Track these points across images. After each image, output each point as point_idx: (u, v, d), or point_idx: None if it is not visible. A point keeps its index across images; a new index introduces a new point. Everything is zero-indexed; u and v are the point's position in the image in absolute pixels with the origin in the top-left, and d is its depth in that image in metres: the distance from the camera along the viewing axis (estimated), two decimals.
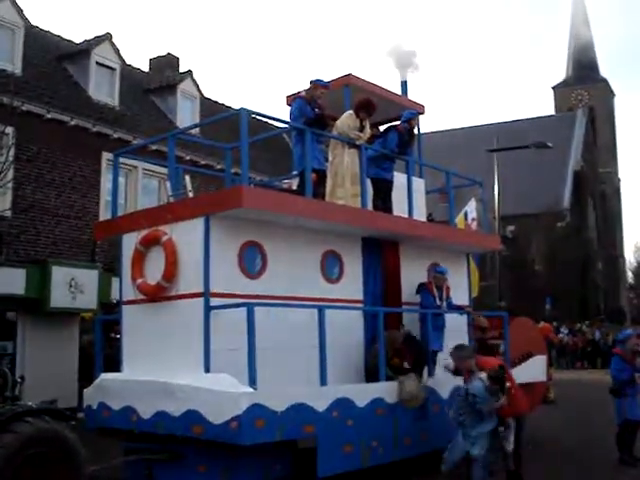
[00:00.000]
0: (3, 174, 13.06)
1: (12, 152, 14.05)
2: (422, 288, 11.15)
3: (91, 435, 9.44)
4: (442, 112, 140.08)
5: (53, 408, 7.21)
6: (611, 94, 78.81)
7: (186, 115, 22.08)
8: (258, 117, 10.51)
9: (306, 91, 10.34)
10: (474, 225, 14.66)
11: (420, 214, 11.91)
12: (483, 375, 8.77)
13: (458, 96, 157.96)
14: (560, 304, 43.76)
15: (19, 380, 7.70)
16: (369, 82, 11.91)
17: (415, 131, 11.91)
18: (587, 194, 61.19)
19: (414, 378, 9.97)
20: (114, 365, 10.13)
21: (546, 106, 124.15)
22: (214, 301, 8.60)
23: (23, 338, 16.07)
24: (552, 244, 48.22)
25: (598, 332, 37.77)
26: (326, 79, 10.64)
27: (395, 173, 11.43)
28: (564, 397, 18.69)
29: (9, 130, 14.33)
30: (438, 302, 11.05)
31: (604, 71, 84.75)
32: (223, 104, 25.93)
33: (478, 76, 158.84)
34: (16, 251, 16.04)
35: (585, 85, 75.94)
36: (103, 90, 19.69)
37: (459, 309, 11.62)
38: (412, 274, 11.37)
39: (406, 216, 11.23)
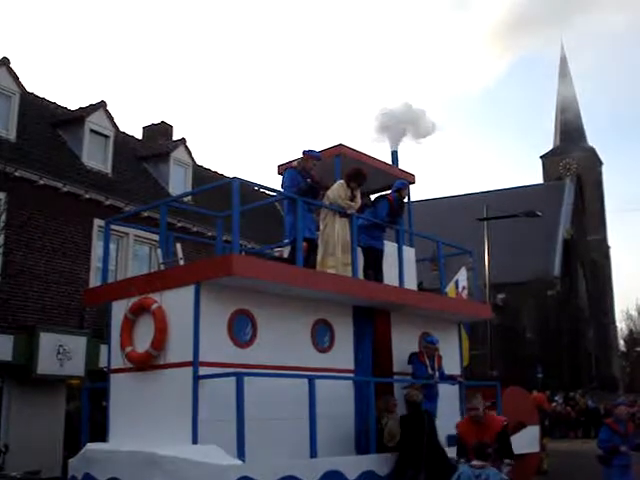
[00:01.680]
0: None
1: (3, 217, 14.09)
2: (413, 358, 11.09)
3: None
4: (432, 181, 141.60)
5: (37, 479, 7.04)
6: (598, 162, 79.98)
7: (178, 182, 22.27)
8: (250, 186, 10.58)
9: (298, 161, 10.46)
10: (465, 294, 14.68)
11: (411, 282, 11.91)
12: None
13: (448, 165, 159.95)
14: (552, 372, 43.47)
15: (3, 449, 7.56)
16: (360, 152, 12.05)
17: (405, 200, 12.02)
18: (577, 262, 61.49)
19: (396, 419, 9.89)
20: (103, 433, 9.96)
21: (535, 175, 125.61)
22: (203, 370, 8.49)
23: (8, 405, 15.85)
24: (543, 312, 48.21)
25: (591, 400, 37.49)
26: (317, 148, 10.78)
27: (385, 242, 11.49)
28: (558, 467, 18.40)
29: (1, 195, 14.40)
30: (430, 371, 10.97)
31: (591, 140, 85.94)
32: (215, 172, 26.17)
33: (468, 146, 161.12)
34: (4, 317, 15.92)
35: (573, 154, 77.12)
36: (96, 157, 19.88)
37: (451, 379, 11.54)
38: (403, 343, 11.30)
39: (397, 285, 11.23)
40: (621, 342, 75.64)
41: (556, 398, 37.56)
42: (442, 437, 11.12)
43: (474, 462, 7.98)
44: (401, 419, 10.08)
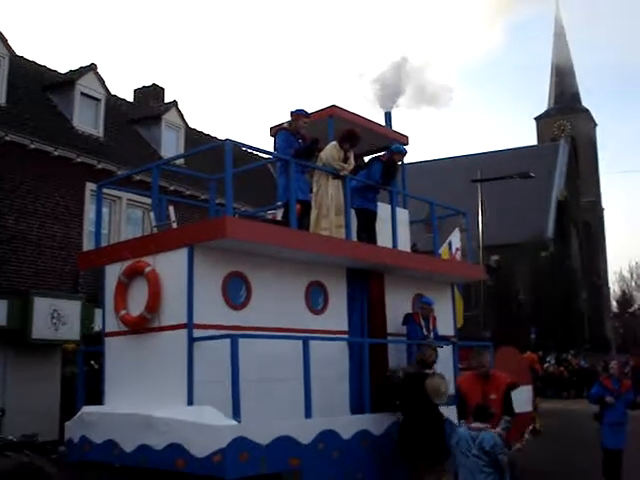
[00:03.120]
0: None
1: None
2: (408, 319, 11.12)
3: (73, 469, 9.29)
4: (426, 143, 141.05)
5: (34, 442, 7.09)
6: (593, 124, 79.76)
7: (171, 145, 22.12)
8: (243, 148, 10.52)
9: (288, 123, 10.38)
10: (458, 255, 14.69)
11: (404, 244, 11.91)
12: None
13: (442, 127, 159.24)
14: (545, 333, 43.85)
15: (0, 413, 7.56)
16: (353, 113, 11.96)
17: (399, 164, 11.93)
18: (570, 223, 61.64)
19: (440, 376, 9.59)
20: (99, 396, 10.02)
21: (529, 137, 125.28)
22: (197, 332, 8.51)
23: (4, 370, 15.92)
24: (536, 273, 48.45)
25: (583, 361, 37.86)
26: (310, 110, 10.69)
27: (379, 204, 11.45)
28: (550, 427, 18.62)
29: None
30: (425, 332, 11.02)
31: (586, 101, 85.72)
32: (208, 134, 26.01)
33: (462, 108, 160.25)
34: None
35: (567, 115, 76.87)
36: (87, 121, 19.70)
37: (445, 339, 11.60)
38: (397, 305, 11.33)
39: (390, 246, 11.24)
40: (614, 303, 76.35)
41: (548, 359, 37.92)
42: None
43: (473, 424, 7.88)
44: (407, 377, 10.07)
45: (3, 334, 15.72)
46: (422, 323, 11.05)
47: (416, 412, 9.46)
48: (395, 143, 12.25)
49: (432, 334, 11.15)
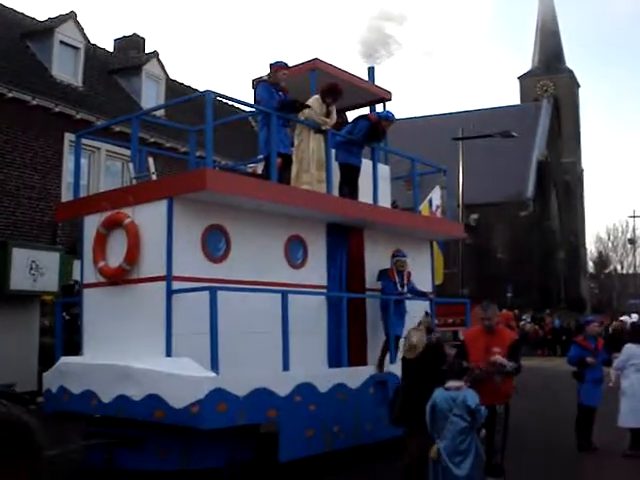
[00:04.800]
0: None
1: None
2: (383, 274, 11.15)
3: (51, 419, 9.32)
4: (407, 100, 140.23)
5: (11, 392, 7.08)
6: (576, 85, 79.58)
7: (151, 97, 21.84)
8: (224, 100, 10.41)
9: (268, 75, 10.26)
10: (438, 213, 14.71)
11: (385, 201, 11.91)
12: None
13: (424, 83, 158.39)
14: (522, 292, 44.32)
15: None
16: (336, 67, 11.83)
17: (385, 131, 11.80)
18: (550, 184, 61.86)
19: (422, 331, 9.07)
20: (76, 349, 10.03)
21: (512, 96, 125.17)
22: (176, 285, 8.51)
23: None
24: (515, 233, 48.76)
25: (558, 320, 38.37)
26: (292, 64, 10.57)
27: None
28: (525, 385, 18.88)
29: None
30: (399, 288, 11.07)
31: (570, 61, 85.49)
32: (189, 86, 25.70)
33: (445, 65, 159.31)
34: None
35: (551, 75, 76.58)
36: (66, 70, 19.39)
37: (422, 294, 11.67)
38: (376, 260, 11.37)
39: (371, 202, 11.23)
40: (590, 264, 77.14)
41: (524, 317, 38.41)
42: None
43: (449, 384, 7.33)
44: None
45: None
46: (396, 279, 11.07)
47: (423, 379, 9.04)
48: (380, 99, 12.20)
49: (407, 288, 11.18)
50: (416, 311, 11.07)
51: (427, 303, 11.82)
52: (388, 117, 11.53)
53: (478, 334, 8.67)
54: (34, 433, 6.72)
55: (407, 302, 11.24)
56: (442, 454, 6.86)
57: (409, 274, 11.33)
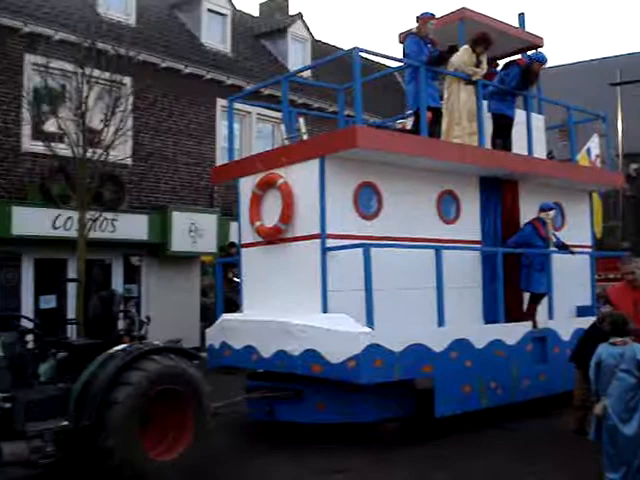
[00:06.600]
0: (123, 123, 13.41)
1: (130, 101, 14.43)
2: (528, 227, 10.56)
3: (213, 374, 9.74)
4: (562, 45, 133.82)
5: (179, 347, 7.43)
6: None
7: (297, 58, 21.97)
8: (370, 58, 10.33)
9: (416, 28, 10.07)
10: (597, 162, 14.03)
11: (540, 151, 11.50)
12: None
13: (578, 28, 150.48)
14: None
15: (145, 320, 7.96)
16: (484, 15, 11.45)
17: (538, 74, 11.28)
18: None
19: None
20: (235, 307, 10.41)
21: None
22: (330, 242, 8.63)
23: (147, 281, 16.78)
24: None
25: None
26: (438, 15, 10.32)
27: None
28: None
29: (127, 80, 14.70)
30: (541, 242, 10.49)
31: None
32: (334, 46, 25.68)
33: (600, 6, 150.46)
34: (138, 198, 16.61)
35: None
36: (215, 37, 19.86)
37: (567, 248, 10.90)
38: (532, 214, 10.97)
39: (526, 154, 10.86)
40: None
41: None
42: (572, 307, 11.03)
43: (613, 339, 6.90)
44: None
45: (144, 248, 16.50)
46: (543, 231, 10.59)
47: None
48: (531, 46, 11.71)
49: (555, 241, 10.70)
50: (573, 267, 10.67)
51: (578, 257, 11.25)
52: (539, 59, 11.03)
53: (623, 290, 8.21)
54: (200, 386, 7.07)
55: (554, 257, 10.74)
56: (609, 411, 6.57)
57: (552, 226, 10.74)
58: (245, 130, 19.29)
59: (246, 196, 9.88)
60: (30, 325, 7.26)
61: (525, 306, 10.53)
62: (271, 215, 9.31)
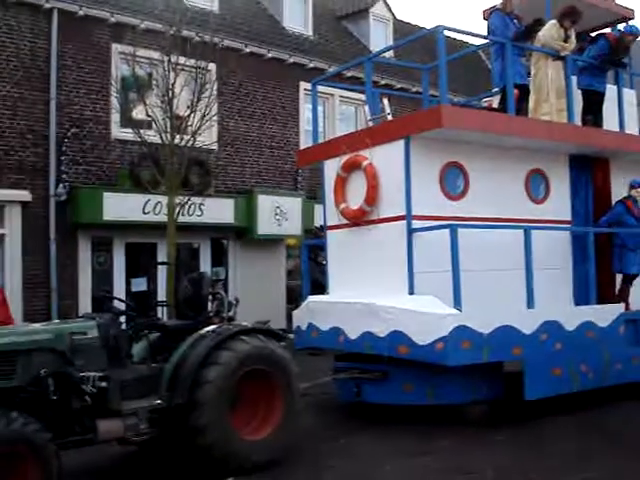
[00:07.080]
0: (209, 109, 13.62)
1: (215, 87, 14.65)
2: (618, 205, 10.27)
3: (300, 355, 9.84)
4: None
5: (267, 328, 7.54)
6: None
7: (379, 39, 21.82)
8: (453, 36, 10.18)
9: (502, 4, 9.86)
10: None
11: (633, 128, 11.13)
12: None
13: None
14: None
15: (234, 302, 8.09)
16: None
17: (629, 47, 10.89)
18: None
19: None
20: (322, 289, 10.48)
21: None
22: (416, 223, 8.58)
23: (234, 264, 17.09)
24: None
25: None
26: None
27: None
28: None
29: (211, 66, 14.93)
30: (633, 221, 10.16)
31: None
32: (416, 25, 25.38)
33: None
34: (224, 182, 16.89)
35: None
36: (297, 21, 19.92)
37: None
38: (623, 193, 10.65)
39: (617, 130, 10.51)
40: None
41: None
42: None
43: None
44: None
45: (231, 231, 16.80)
46: (636, 209, 10.22)
47: None
48: (621, 19, 11.30)
49: None
50: None
51: None
52: (632, 31, 10.61)
53: None
54: (288, 366, 7.16)
55: None
56: None
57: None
58: (328, 112, 19.34)
59: (331, 178, 9.91)
60: (124, 307, 7.47)
61: (617, 287, 10.23)
62: (356, 197, 9.31)
